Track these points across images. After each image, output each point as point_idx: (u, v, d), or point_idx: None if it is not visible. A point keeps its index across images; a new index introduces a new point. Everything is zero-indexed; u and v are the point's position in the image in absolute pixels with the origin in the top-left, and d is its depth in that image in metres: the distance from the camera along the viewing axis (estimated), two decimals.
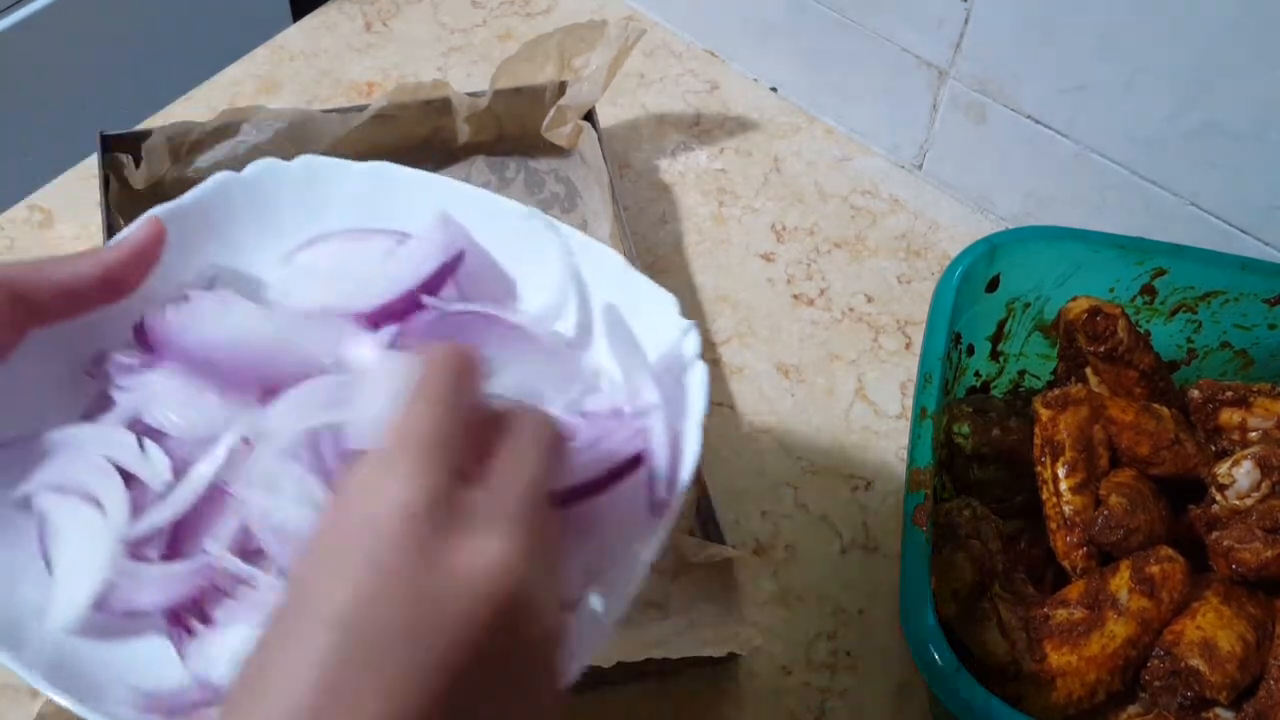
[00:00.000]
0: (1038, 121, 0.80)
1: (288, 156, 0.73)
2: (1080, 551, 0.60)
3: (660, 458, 0.43)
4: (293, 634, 0.30)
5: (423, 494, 0.31)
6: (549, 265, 0.51)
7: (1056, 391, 0.63)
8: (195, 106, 0.89)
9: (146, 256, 0.46)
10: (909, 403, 0.76)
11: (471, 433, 0.34)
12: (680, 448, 0.44)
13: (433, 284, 0.49)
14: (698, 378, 0.46)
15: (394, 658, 0.29)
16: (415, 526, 0.31)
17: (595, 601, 0.41)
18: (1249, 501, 0.60)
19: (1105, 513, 0.60)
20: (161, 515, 0.44)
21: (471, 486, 0.33)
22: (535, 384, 0.46)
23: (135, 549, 0.44)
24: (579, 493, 0.40)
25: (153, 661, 0.44)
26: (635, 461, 0.42)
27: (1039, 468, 0.62)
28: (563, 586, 0.36)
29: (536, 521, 0.33)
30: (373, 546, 0.30)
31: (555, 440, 0.36)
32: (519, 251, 0.52)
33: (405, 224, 0.51)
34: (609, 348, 0.49)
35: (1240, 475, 0.60)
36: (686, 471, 0.43)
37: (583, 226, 0.83)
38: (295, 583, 0.32)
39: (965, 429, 0.64)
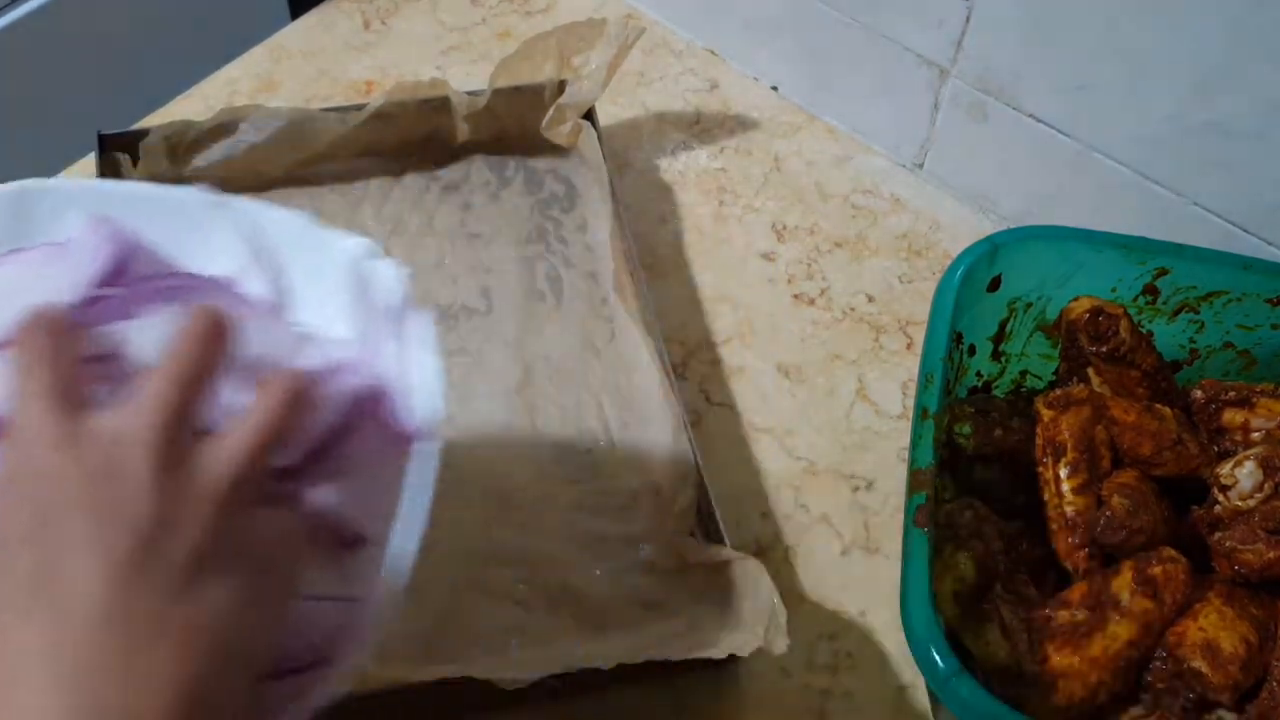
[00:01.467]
0: (1039, 121, 0.80)
1: (286, 155, 0.73)
2: (1082, 552, 0.60)
3: (393, 391, 0.44)
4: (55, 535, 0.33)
5: (50, 422, 0.35)
6: (225, 242, 0.49)
7: (1058, 392, 0.63)
8: (193, 105, 0.89)
9: None
10: (910, 403, 0.76)
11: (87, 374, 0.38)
12: (413, 376, 0.44)
13: (105, 282, 0.46)
14: (407, 309, 0.46)
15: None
16: (57, 446, 0.35)
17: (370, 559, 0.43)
18: (1252, 502, 0.60)
19: (1107, 514, 0.60)
20: None
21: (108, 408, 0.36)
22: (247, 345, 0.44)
23: None
24: (321, 450, 0.42)
25: None
26: (368, 402, 0.43)
27: (1041, 468, 0.62)
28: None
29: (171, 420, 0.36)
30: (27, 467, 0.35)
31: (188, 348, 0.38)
32: (192, 241, 0.49)
33: (62, 235, 0.48)
34: (311, 302, 0.49)
35: (1243, 476, 0.60)
36: (429, 396, 0.43)
37: (583, 226, 0.83)
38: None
39: (967, 429, 0.64)
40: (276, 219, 0.49)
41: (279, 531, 0.38)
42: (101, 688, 0.32)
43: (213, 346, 0.38)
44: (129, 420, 0.35)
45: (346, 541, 0.44)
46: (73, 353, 0.37)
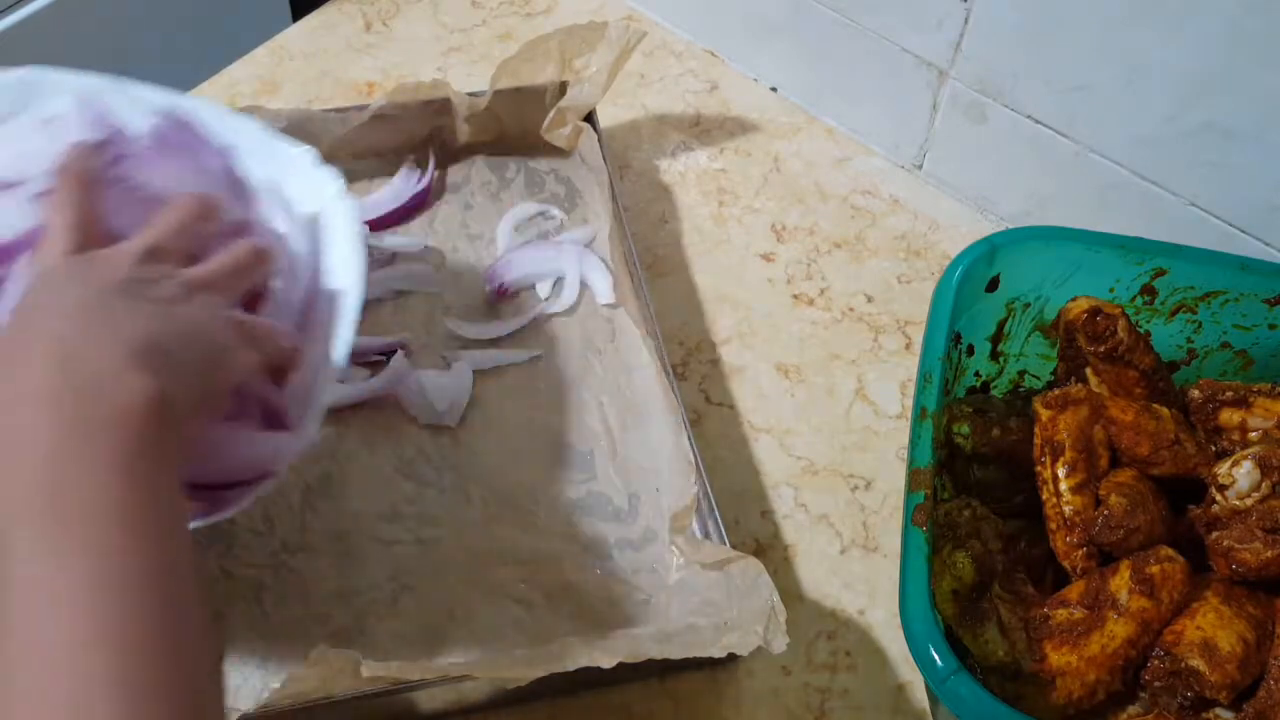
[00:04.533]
0: (1038, 121, 0.80)
1: None
2: (1080, 551, 0.60)
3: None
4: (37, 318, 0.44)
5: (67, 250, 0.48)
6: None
7: (1056, 391, 0.63)
8: None
9: None
10: (909, 403, 0.76)
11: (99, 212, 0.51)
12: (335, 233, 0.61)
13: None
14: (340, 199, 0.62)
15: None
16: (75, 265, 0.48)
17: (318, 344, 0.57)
18: (1249, 501, 0.60)
19: (1105, 513, 0.60)
20: None
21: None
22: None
23: None
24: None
25: None
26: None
27: (1039, 468, 0.62)
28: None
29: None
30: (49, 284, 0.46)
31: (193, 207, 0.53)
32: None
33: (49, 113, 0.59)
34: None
35: (1240, 475, 0.60)
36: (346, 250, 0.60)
37: (583, 226, 0.83)
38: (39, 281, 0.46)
39: (965, 429, 0.64)
40: (239, 125, 0.63)
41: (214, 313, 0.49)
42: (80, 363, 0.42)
43: (198, 216, 0.52)
44: (123, 246, 0.48)
45: (277, 370, 0.55)
46: (94, 194, 0.51)
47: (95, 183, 0.52)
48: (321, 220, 0.61)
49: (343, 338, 0.58)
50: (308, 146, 0.63)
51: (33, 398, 0.40)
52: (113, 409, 0.40)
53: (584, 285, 0.80)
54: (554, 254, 0.81)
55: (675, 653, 0.58)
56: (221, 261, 0.51)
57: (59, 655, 0.35)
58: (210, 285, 0.50)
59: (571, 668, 0.55)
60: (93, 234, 0.49)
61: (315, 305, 0.59)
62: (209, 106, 0.63)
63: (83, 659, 0.35)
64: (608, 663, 0.56)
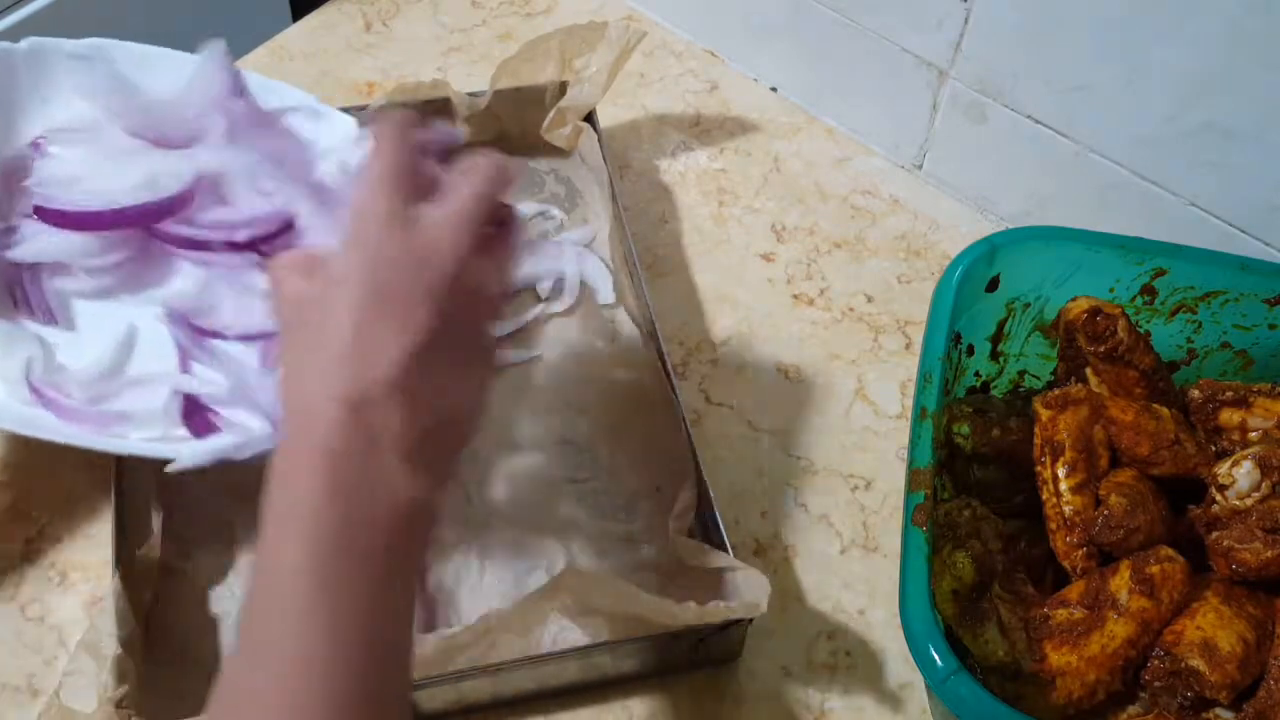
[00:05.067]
0: (1038, 121, 0.80)
1: None
2: (1080, 551, 0.60)
3: None
4: (331, 298, 0.44)
5: (389, 205, 0.46)
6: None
7: (1056, 392, 0.63)
8: None
9: None
10: (909, 403, 0.76)
11: (420, 170, 0.49)
12: None
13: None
14: None
15: (397, 307, 0.44)
16: (392, 225, 0.45)
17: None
18: (1249, 501, 0.60)
19: (1105, 513, 0.60)
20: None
21: (427, 203, 0.47)
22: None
23: None
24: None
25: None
26: None
27: (1039, 468, 0.62)
28: (501, 276, 0.49)
29: (472, 225, 0.47)
30: (370, 241, 0.45)
31: (491, 171, 0.50)
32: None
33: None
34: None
35: (1240, 475, 0.60)
36: None
37: (583, 226, 0.83)
38: (326, 269, 0.45)
39: (965, 429, 0.64)
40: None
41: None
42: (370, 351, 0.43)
43: (498, 181, 0.49)
44: (444, 214, 0.46)
45: None
46: (411, 151, 0.49)
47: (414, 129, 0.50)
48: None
49: None
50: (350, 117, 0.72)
51: (314, 485, 0.42)
52: (387, 504, 0.42)
53: (584, 285, 0.80)
54: (554, 254, 0.81)
55: (680, 620, 0.58)
56: (479, 325, 0.48)
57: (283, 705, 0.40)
58: (471, 360, 0.47)
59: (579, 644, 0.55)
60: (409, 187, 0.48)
61: None
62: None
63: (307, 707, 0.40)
64: (616, 633, 0.55)
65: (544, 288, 0.79)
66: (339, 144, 0.71)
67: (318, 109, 0.74)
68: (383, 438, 0.42)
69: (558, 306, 0.78)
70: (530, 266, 0.80)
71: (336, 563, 0.41)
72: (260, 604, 0.42)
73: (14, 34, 1.04)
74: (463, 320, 0.46)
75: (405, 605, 0.44)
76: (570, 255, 0.80)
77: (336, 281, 0.44)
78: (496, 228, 0.50)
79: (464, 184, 0.48)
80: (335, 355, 0.43)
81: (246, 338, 0.65)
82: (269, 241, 0.66)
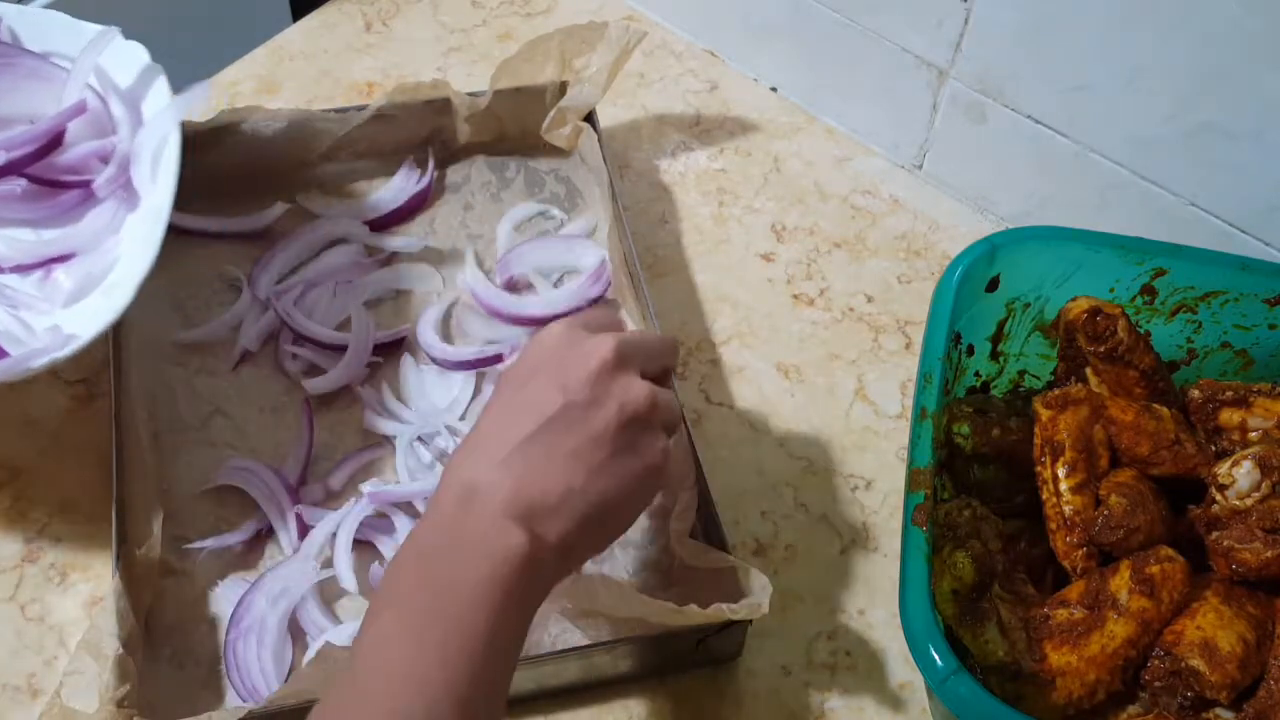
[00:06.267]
0: (1038, 121, 0.80)
1: (288, 156, 0.74)
2: (1080, 551, 0.60)
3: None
4: (490, 403, 0.53)
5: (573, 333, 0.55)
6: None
7: (1056, 391, 0.63)
8: (194, 106, 0.89)
9: None
10: (909, 403, 0.76)
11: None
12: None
13: None
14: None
15: (526, 410, 0.51)
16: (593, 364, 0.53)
17: None
18: (1249, 501, 0.60)
19: (1105, 513, 0.60)
20: None
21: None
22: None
23: None
24: None
25: None
26: None
27: (1039, 468, 0.62)
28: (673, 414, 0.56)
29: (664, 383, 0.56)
30: (531, 363, 0.54)
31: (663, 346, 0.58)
32: None
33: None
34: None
35: (1240, 475, 0.60)
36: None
37: (583, 226, 0.83)
38: (508, 385, 0.54)
39: (965, 429, 0.64)
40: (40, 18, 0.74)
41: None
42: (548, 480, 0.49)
43: (653, 348, 0.56)
44: (602, 343, 0.53)
45: None
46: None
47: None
48: (136, 87, 0.71)
49: (166, 185, 0.66)
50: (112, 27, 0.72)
51: (413, 548, 0.48)
52: (482, 559, 0.46)
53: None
54: (563, 249, 0.81)
55: (684, 621, 0.58)
56: (633, 425, 0.53)
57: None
58: (622, 450, 0.52)
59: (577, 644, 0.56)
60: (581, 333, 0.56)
61: (138, 159, 0.70)
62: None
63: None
64: (617, 632, 0.55)
65: (548, 284, 0.79)
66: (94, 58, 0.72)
67: (76, 29, 0.73)
68: (481, 497, 0.47)
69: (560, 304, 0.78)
70: (539, 260, 0.80)
71: (423, 616, 0.45)
72: (357, 663, 0.44)
73: None
74: (608, 418, 0.51)
75: (507, 656, 0.47)
76: (578, 250, 0.81)
77: (498, 386, 0.54)
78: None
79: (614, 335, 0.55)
80: (473, 445, 0.51)
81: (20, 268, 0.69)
82: (31, 163, 0.70)
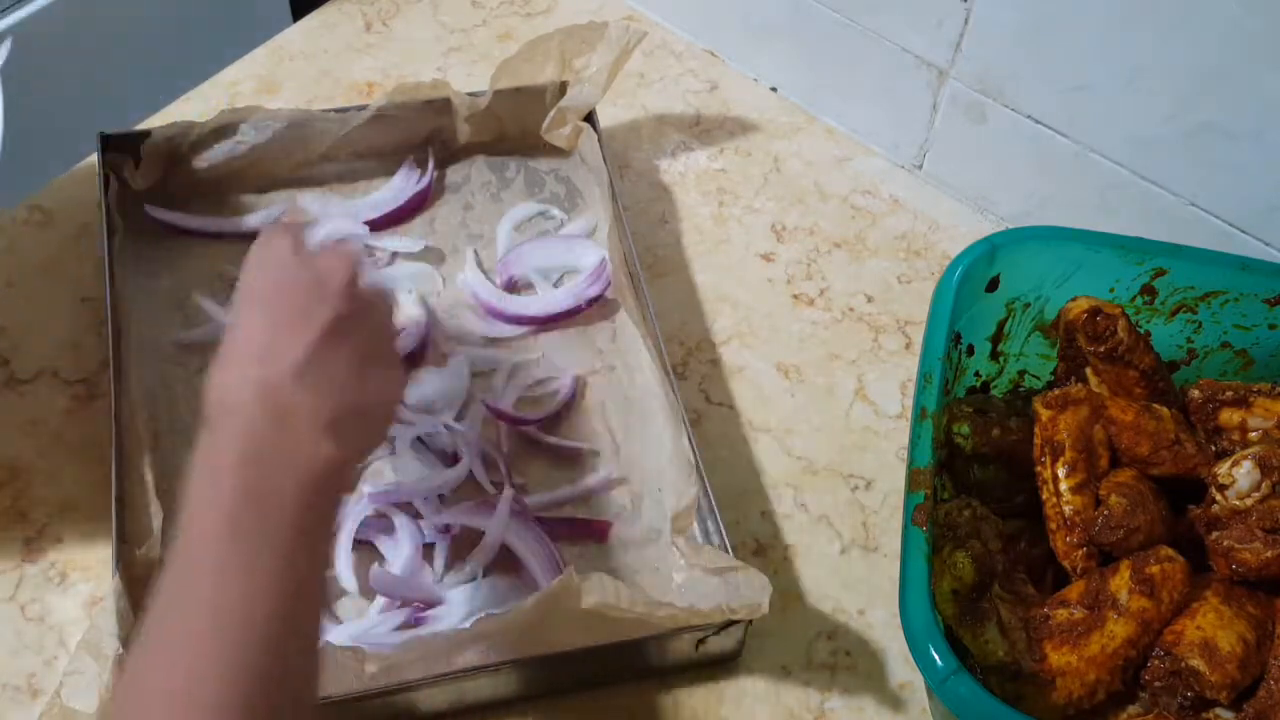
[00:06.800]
0: (1038, 121, 0.80)
1: (288, 156, 0.74)
2: (1080, 551, 0.60)
3: None
4: (243, 318, 0.53)
5: (292, 242, 0.56)
6: None
7: (1056, 392, 0.63)
8: (195, 106, 0.89)
9: None
10: (909, 403, 0.76)
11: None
12: None
13: None
14: None
15: (299, 315, 0.52)
16: (295, 254, 0.55)
17: None
18: (1249, 501, 0.60)
19: (1105, 513, 0.60)
20: None
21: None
22: None
23: None
24: None
25: None
26: None
27: (1039, 468, 0.62)
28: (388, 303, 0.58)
29: (356, 260, 0.56)
30: (275, 265, 0.55)
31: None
32: None
33: None
34: None
35: (1240, 475, 0.60)
36: None
37: (583, 226, 0.83)
38: (241, 292, 0.55)
39: (965, 429, 0.64)
40: None
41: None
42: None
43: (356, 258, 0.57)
44: (340, 258, 0.55)
45: None
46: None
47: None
48: None
49: None
50: None
51: (230, 458, 0.48)
52: (296, 470, 0.48)
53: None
54: (563, 249, 0.81)
55: (683, 621, 0.58)
56: (378, 333, 0.56)
57: (203, 646, 0.44)
58: (388, 331, 0.57)
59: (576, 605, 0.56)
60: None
61: None
62: None
63: (214, 650, 0.44)
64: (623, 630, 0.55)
65: (547, 284, 0.79)
66: None
67: None
68: (294, 414, 0.49)
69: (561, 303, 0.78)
70: (539, 261, 0.80)
71: (249, 517, 0.47)
72: (180, 562, 0.47)
73: (14, 34, 1.04)
74: (363, 329, 0.54)
75: (319, 554, 0.51)
76: (578, 250, 0.81)
77: (247, 302, 0.54)
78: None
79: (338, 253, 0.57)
80: (250, 356, 0.51)
81: None
82: None
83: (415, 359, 0.74)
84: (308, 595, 0.48)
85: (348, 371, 0.52)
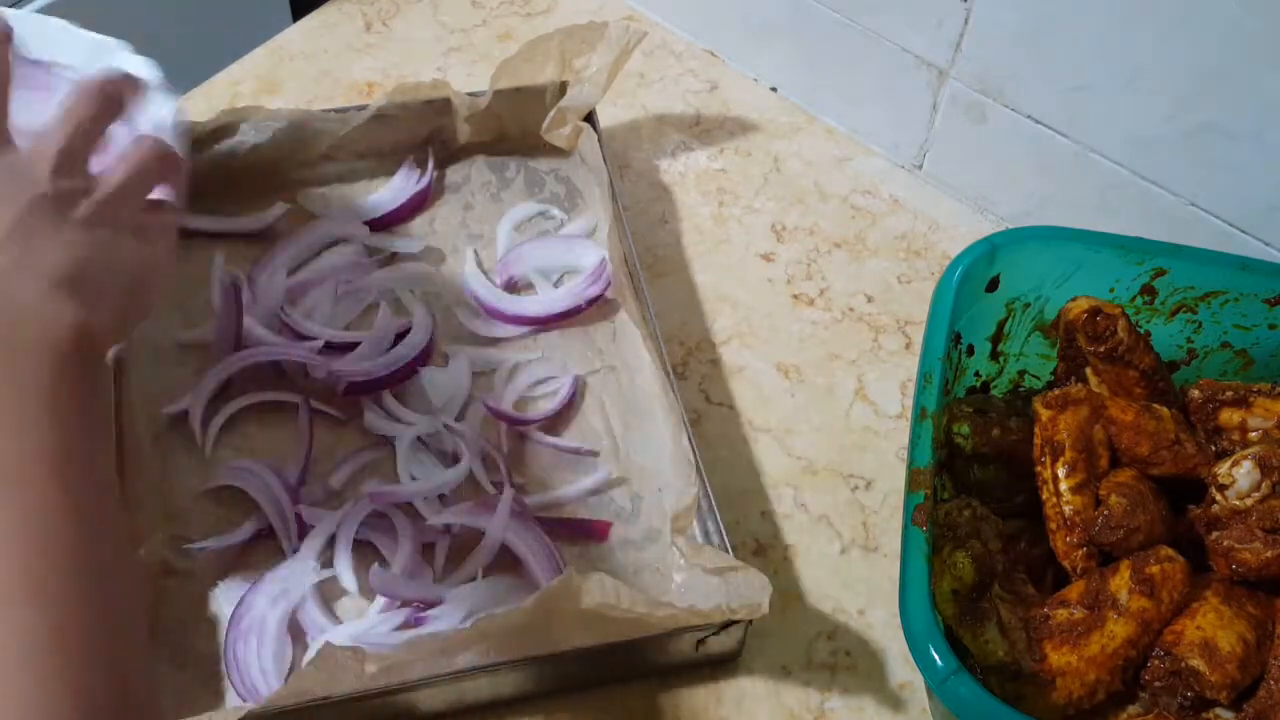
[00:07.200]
0: (1038, 121, 0.80)
1: (288, 156, 0.73)
2: (1080, 551, 0.61)
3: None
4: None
5: None
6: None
7: (1056, 391, 0.63)
8: (195, 106, 0.89)
9: None
10: (909, 403, 0.76)
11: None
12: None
13: None
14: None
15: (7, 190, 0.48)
16: None
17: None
18: (1249, 501, 0.60)
19: (1105, 513, 0.60)
20: None
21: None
22: None
23: None
24: None
25: None
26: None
27: (1039, 468, 0.62)
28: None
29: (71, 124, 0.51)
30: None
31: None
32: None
33: None
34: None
35: (1240, 475, 0.60)
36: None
37: (583, 226, 0.83)
38: None
39: (965, 429, 0.64)
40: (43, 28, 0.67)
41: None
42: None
43: (93, 108, 0.52)
44: (39, 147, 0.50)
45: None
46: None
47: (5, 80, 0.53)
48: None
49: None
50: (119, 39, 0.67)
51: None
52: (37, 340, 0.44)
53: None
54: (563, 249, 0.81)
55: (684, 621, 0.58)
56: (130, 169, 0.52)
57: None
58: (125, 199, 0.51)
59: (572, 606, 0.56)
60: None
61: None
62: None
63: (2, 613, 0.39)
64: (621, 633, 0.55)
65: (548, 284, 0.79)
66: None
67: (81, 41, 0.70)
68: (27, 267, 0.46)
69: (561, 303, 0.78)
70: (540, 261, 0.80)
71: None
72: None
73: None
74: (99, 200, 0.50)
75: (91, 428, 0.46)
76: (579, 250, 0.81)
77: None
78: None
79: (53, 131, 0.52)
80: None
81: None
82: None
83: (416, 359, 0.74)
84: (83, 451, 0.44)
85: (74, 233, 0.48)
